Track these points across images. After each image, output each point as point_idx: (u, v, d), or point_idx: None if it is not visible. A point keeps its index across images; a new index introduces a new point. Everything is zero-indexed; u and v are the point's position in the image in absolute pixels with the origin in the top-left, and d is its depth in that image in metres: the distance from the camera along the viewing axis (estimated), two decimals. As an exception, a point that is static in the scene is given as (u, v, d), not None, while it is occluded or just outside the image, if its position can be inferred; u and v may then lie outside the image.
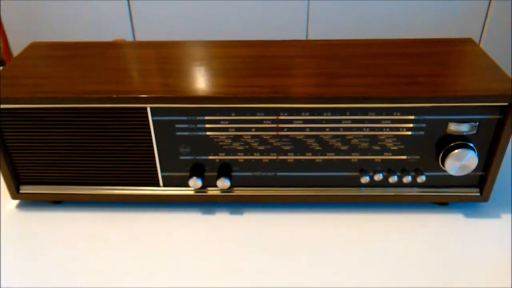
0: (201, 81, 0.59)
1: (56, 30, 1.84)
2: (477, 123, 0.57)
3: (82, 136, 0.59)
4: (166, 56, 0.67)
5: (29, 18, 1.84)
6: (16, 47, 1.92)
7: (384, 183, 0.62)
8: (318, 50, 0.68)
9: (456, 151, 0.57)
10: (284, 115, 0.57)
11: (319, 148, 0.59)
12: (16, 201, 0.66)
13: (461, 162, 0.57)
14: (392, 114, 0.57)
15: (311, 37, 1.81)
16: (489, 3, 1.72)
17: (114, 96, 0.55)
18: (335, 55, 0.66)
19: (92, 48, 0.69)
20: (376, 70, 0.61)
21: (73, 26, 1.84)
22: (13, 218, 0.64)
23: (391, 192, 0.62)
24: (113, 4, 1.78)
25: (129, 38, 1.84)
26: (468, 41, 0.69)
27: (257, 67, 0.62)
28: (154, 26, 1.82)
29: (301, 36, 1.81)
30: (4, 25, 1.89)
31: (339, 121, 0.57)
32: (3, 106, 0.57)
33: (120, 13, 1.80)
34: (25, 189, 0.63)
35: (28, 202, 0.66)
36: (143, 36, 1.85)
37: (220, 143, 0.59)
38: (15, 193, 0.63)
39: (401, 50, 0.66)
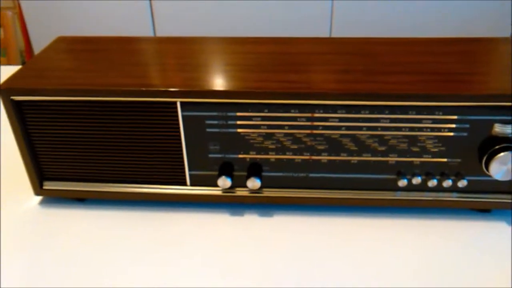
0: (230, 76, 0.57)
1: (78, 29, 1.84)
2: (525, 125, 0.54)
3: (108, 131, 0.57)
4: (191, 51, 0.65)
5: (51, 16, 1.85)
6: (38, 46, 1.93)
7: (422, 187, 0.58)
8: (346, 48, 0.65)
9: (501, 154, 0.53)
10: (319, 113, 0.54)
11: (355, 148, 0.56)
12: (39, 198, 0.65)
13: (507, 166, 0.54)
14: (433, 114, 0.54)
15: (335, 35, 1.79)
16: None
17: (144, 89, 0.53)
18: (364, 52, 0.63)
19: (117, 43, 0.68)
20: (411, 68, 0.58)
21: (95, 24, 1.84)
22: (35, 215, 0.62)
23: (429, 196, 0.59)
24: (135, 3, 1.78)
25: (150, 35, 1.84)
26: (505, 40, 0.66)
27: (286, 63, 0.60)
28: (175, 24, 1.82)
29: (324, 34, 1.79)
30: (27, 23, 1.90)
31: (377, 120, 0.54)
32: (28, 98, 0.55)
33: (141, 11, 1.80)
34: (48, 185, 0.62)
35: (51, 199, 0.64)
36: (164, 33, 1.85)
37: (251, 141, 0.57)
38: (38, 189, 0.62)
39: (433, 48, 0.63)
